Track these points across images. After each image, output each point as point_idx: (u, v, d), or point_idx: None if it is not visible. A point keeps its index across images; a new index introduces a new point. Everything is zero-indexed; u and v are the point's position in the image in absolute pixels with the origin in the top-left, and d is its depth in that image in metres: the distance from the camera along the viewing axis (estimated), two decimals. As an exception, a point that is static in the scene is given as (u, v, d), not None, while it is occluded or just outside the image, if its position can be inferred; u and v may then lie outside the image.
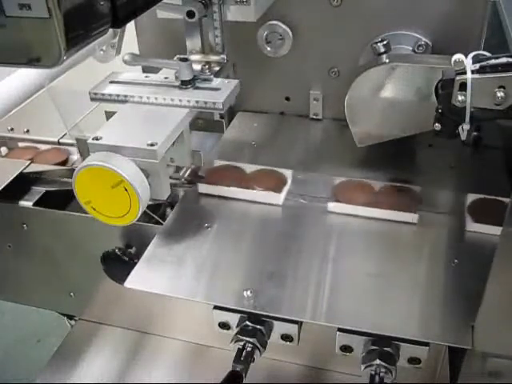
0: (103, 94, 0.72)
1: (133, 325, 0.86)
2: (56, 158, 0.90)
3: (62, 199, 0.80)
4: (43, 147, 0.93)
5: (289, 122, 0.98)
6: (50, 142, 0.93)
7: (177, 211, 0.76)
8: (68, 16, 0.40)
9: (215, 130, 0.77)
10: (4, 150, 0.93)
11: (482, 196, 0.75)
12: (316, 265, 0.66)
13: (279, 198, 0.77)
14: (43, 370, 0.84)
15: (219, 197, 0.78)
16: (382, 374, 0.58)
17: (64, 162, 0.90)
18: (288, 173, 0.81)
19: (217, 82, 0.73)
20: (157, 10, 0.78)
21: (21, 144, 0.94)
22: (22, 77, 0.77)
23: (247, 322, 0.63)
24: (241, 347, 0.62)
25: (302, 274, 0.65)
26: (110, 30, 0.47)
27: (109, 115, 0.70)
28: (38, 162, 0.88)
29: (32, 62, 0.42)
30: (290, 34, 0.88)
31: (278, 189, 0.78)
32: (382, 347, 0.59)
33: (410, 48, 0.84)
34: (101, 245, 0.79)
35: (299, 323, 0.62)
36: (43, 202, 0.84)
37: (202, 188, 0.79)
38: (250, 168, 0.82)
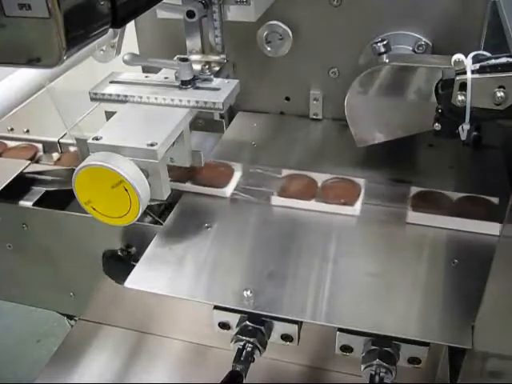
0: (103, 94, 0.72)
1: (133, 325, 0.86)
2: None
3: (62, 199, 0.80)
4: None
5: (289, 122, 0.98)
6: (50, 142, 0.93)
7: (177, 211, 0.76)
8: (68, 16, 0.40)
9: (215, 130, 0.77)
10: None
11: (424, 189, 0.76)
12: (316, 265, 0.66)
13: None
14: (43, 370, 0.84)
15: (219, 196, 0.78)
16: (382, 374, 0.58)
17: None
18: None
19: (217, 81, 0.73)
20: (157, 10, 0.78)
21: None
22: (22, 77, 0.77)
23: (247, 322, 0.63)
24: (241, 347, 0.62)
25: (302, 274, 0.65)
26: (110, 30, 0.47)
27: (109, 115, 0.70)
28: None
29: (32, 62, 0.42)
30: (290, 34, 0.88)
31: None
32: (382, 347, 0.59)
33: (410, 48, 0.84)
34: (101, 245, 0.79)
35: (299, 323, 0.62)
36: (43, 201, 0.84)
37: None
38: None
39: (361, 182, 0.78)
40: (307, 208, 0.75)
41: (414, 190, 0.76)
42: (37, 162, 0.90)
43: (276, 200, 0.76)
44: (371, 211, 0.74)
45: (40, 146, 0.93)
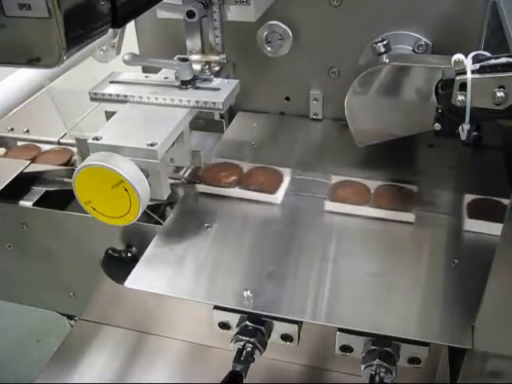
0: (103, 94, 0.72)
1: (133, 325, 0.86)
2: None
3: (62, 199, 0.80)
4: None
5: (289, 122, 0.98)
6: (49, 141, 0.93)
7: (177, 211, 0.76)
8: (68, 16, 0.40)
9: (215, 130, 0.77)
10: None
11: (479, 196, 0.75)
12: (316, 265, 0.66)
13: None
14: (43, 370, 0.84)
15: (219, 196, 0.78)
16: (381, 374, 0.58)
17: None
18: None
19: (217, 81, 0.73)
20: (157, 10, 0.78)
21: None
22: (22, 77, 0.77)
23: (247, 322, 0.63)
24: (241, 347, 0.62)
25: (301, 274, 0.65)
26: (110, 30, 0.47)
27: (109, 115, 0.70)
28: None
29: (32, 62, 0.42)
30: (290, 34, 0.88)
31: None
32: (382, 347, 0.59)
33: (410, 48, 0.84)
34: (101, 245, 0.79)
35: (299, 323, 0.62)
36: (43, 201, 0.84)
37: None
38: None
39: (414, 188, 0.77)
40: (361, 214, 0.73)
41: (469, 197, 0.75)
42: (72, 165, 0.89)
43: (329, 205, 0.75)
44: (425, 218, 0.73)
45: (75, 149, 0.92)
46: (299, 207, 0.76)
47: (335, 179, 0.79)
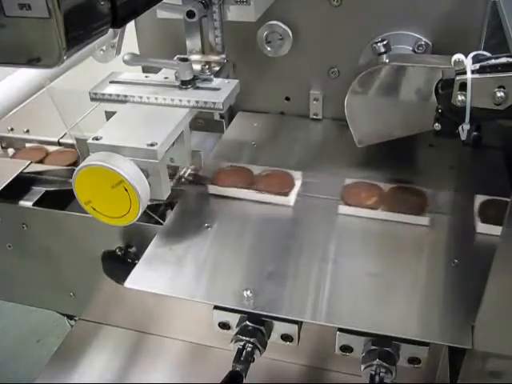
0: (103, 94, 0.72)
1: (133, 325, 0.86)
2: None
3: (62, 199, 0.80)
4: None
5: (289, 122, 0.98)
6: (49, 142, 0.93)
7: (177, 211, 0.76)
8: (68, 16, 0.40)
9: (215, 130, 0.77)
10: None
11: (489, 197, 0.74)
12: (316, 265, 0.66)
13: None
14: (43, 370, 0.84)
15: (219, 196, 0.78)
16: (381, 374, 0.58)
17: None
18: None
19: (217, 81, 0.73)
20: (157, 10, 0.78)
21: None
22: (22, 77, 0.77)
23: (247, 322, 0.63)
24: (241, 347, 0.62)
25: (302, 274, 0.65)
26: (110, 30, 0.47)
27: (109, 115, 0.70)
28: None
29: (32, 61, 0.42)
30: (290, 34, 0.88)
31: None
32: (382, 347, 0.59)
33: (410, 48, 0.84)
34: (101, 245, 0.79)
35: (299, 323, 0.62)
36: (43, 201, 0.84)
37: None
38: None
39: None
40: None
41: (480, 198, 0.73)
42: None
43: (481, 227, 0.70)
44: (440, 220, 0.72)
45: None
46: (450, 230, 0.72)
47: (480, 199, 0.74)
